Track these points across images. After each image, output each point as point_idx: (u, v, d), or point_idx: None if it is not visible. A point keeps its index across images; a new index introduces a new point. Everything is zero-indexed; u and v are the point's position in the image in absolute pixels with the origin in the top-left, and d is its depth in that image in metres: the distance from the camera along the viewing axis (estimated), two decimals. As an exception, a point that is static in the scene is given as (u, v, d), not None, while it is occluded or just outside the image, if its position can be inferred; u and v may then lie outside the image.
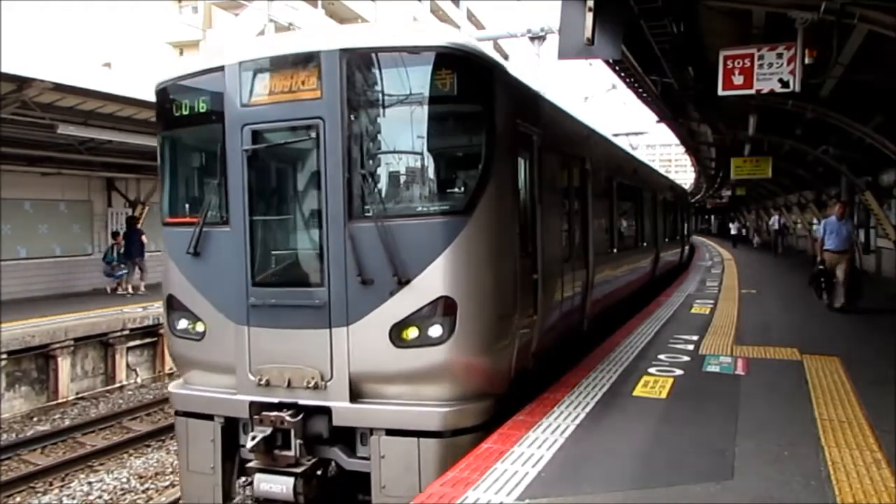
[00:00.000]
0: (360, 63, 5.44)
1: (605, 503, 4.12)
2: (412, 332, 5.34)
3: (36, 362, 12.78)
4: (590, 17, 6.49)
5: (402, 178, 5.76)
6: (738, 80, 8.36)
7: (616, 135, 23.75)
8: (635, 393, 6.55)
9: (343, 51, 5.40)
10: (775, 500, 4.13)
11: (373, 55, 5.46)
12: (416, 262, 5.28)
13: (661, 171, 26.59)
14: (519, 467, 4.64)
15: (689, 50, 9.92)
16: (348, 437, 5.64)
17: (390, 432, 5.39)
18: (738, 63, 8.33)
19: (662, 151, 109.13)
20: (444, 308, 5.28)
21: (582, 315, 8.73)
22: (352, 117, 5.44)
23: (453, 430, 5.37)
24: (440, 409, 5.36)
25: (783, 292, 15.66)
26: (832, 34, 7.45)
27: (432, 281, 5.27)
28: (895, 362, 7.52)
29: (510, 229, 5.91)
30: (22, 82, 10.34)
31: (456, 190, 5.68)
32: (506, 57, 44.73)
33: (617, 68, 12.38)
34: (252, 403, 5.71)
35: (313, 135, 5.50)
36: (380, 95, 5.50)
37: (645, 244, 14.92)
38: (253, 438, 5.47)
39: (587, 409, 5.97)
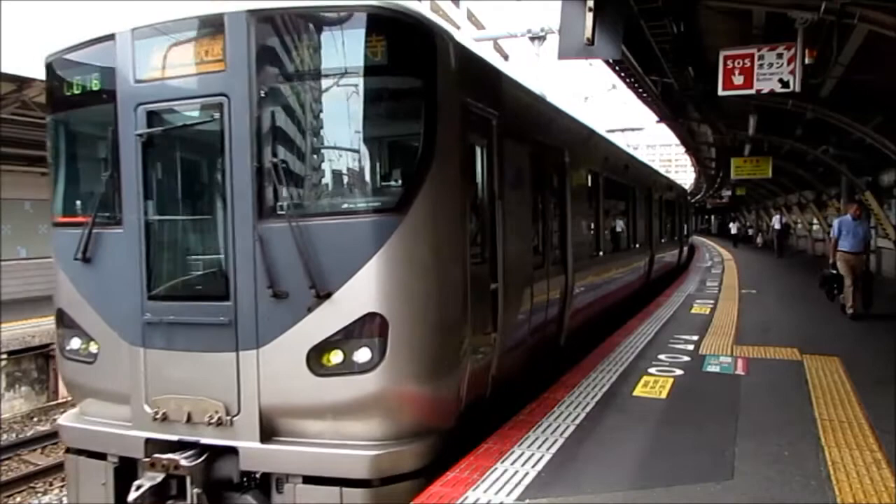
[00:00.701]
0: (272, 28, 4.58)
1: (605, 503, 4.12)
2: (335, 357, 4.47)
3: (36, 362, 12.77)
4: (590, 17, 6.50)
5: (324, 169, 4.92)
6: (738, 80, 8.37)
7: (611, 131, 23.71)
8: (635, 393, 6.55)
9: (251, 13, 4.53)
10: (775, 500, 4.13)
11: (288, 18, 4.58)
12: (339, 270, 4.41)
13: (661, 170, 26.52)
14: (519, 467, 4.63)
15: (689, 50, 9.92)
16: (265, 482, 4.72)
17: (308, 479, 4.50)
18: (738, 63, 8.35)
19: (662, 151, 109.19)
20: (373, 327, 4.41)
21: (559, 329, 7.86)
22: (262, 94, 4.56)
23: (385, 478, 4.48)
24: (368, 453, 4.46)
25: (783, 292, 15.66)
26: (832, 34, 7.48)
27: (358, 294, 4.40)
28: (895, 362, 7.52)
29: (458, 230, 5.02)
30: (22, 82, 10.37)
31: (391, 183, 4.77)
32: (506, 57, 44.78)
33: (617, 68, 12.39)
34: (148, 441, 4.81)
35: (217, 115, 4.64)
36: (297, 67, 4.63)
37: (637, 246, 14.21)
38: (138, 488, 4.55)
39: (587, 410, 5.97)
